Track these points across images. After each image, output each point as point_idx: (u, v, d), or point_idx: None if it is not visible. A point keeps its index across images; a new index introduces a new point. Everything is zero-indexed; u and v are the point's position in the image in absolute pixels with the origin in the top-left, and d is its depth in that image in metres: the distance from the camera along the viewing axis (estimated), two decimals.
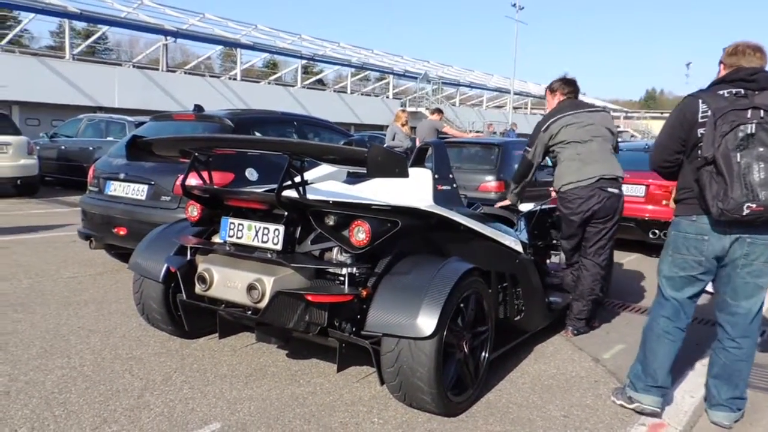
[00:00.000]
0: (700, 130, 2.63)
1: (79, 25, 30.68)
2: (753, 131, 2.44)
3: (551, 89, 4.36)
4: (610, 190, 4.01)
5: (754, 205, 2.43)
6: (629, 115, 64.95)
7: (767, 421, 2.99)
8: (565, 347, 3.97)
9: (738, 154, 2.44)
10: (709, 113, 2.57)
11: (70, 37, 25.06)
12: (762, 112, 2.46)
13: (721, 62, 2.85)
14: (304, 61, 33.25)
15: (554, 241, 4.85)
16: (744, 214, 2.45)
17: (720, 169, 2.47)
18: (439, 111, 11.46)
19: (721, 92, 2.64)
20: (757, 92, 2.57)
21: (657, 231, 6.97)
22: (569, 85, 4.30)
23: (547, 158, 4.36)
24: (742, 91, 2.60)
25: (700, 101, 2.67)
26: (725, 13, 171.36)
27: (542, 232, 4.73)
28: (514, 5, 37.79)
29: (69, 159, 12.05)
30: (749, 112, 2.47)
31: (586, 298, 4.18)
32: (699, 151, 2.62)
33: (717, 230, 2.68)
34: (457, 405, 2.90)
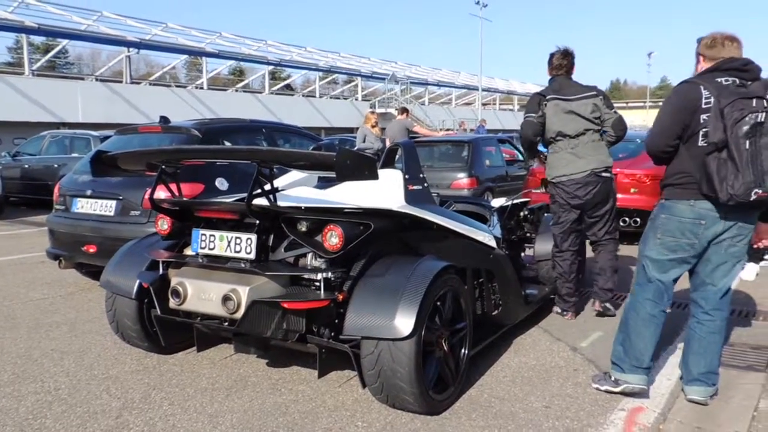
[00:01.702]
0: (703, 116, 2.68)
1: (38, 39, 30.05)
2: (762, 120, 2.52)
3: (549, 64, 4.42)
4: (603, 175, 4.25)
5: (760, 191, 2.53)
6: None
7: (740, 397, 3.07)
8: (543, 339, 4.02)
9: (747, 142, 2.52)
10: (713, 100, 2.63)
11: (29, 53, 24.49)
12: (765, 102, 2.54)
13: (699, 54, 2.89)
14: (270, 67, 33.05)
15: (527, 235, 4.90)
16: (751, 199, 2.54)
17: (732, 154, 2.54)
18: (405, 110, 11.53)
19: (719, 80, 2.70)
20: (749, 82, 2.66)
21: (627, 219, 7.10)
22: (560, 63, 4.36)
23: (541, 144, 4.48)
24: (737, 80, 2.68)
25: (702, 87, 2.71)
26: (684, 3, 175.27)
27: (515, 226, 4.78)
28: (478, 2, 38.09)
29: (33, 178, 11.78)
30: (754, 101, 2.55)
31: (608, 271, 4.42)
32: (703, 137, 2.69)
33: (714, 215, 2.76)
34: (440, 403, 2.91)
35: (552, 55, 4.38)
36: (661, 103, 2.97)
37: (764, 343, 3.79)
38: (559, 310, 4.48)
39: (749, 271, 5.01)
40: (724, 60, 2.76)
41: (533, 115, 4.27)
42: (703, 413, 2.90)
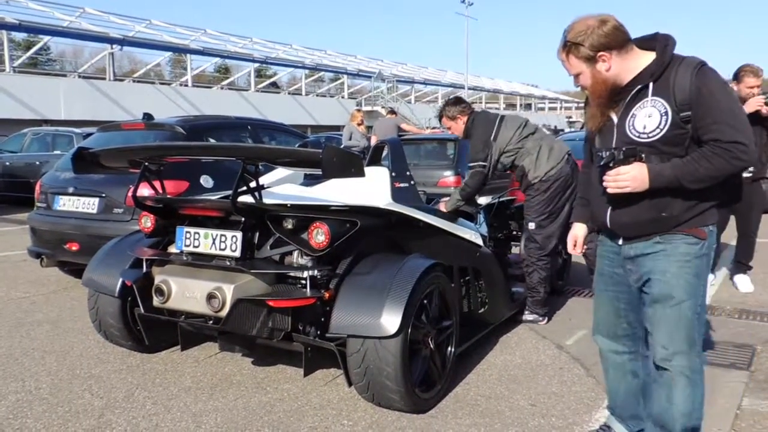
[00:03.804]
0: None
1: (19, 36, 29.67)
2: None
3: (451, 117, 4.37)
4: (574, 161, 4.28)
5: None
6: (580, 105, 66.57)
7: (724, 396, 3.09)
8: (529, 337, 4.03)
9: None
10: None
11: (10, 49, 24.14)
12: None
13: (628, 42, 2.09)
14: (256, 65, 32.86)
15: (514, 233, 4.91)
16: None
17: None
18: (392, 111, 11.56)
19: None
20: None
21: None
22: (464, 103, 4.46)
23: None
24: None
25: None
26: (656, 3, 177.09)
27: (502, 224, 4.79)
28: (463, 1, 38.18)
29: (14, 175, 11.60)
30: None
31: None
32: None
33: None
34: (426, 401, 2.90)
35: (447, 111, 4.39)
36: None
37: (746, 342, 3.83)
38: (532, 318, 4.26)
39: (745, 283, 5.09)
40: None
41: (484, 163, 4.20)
42: None
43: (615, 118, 2.12)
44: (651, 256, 2.13)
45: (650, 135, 2.03)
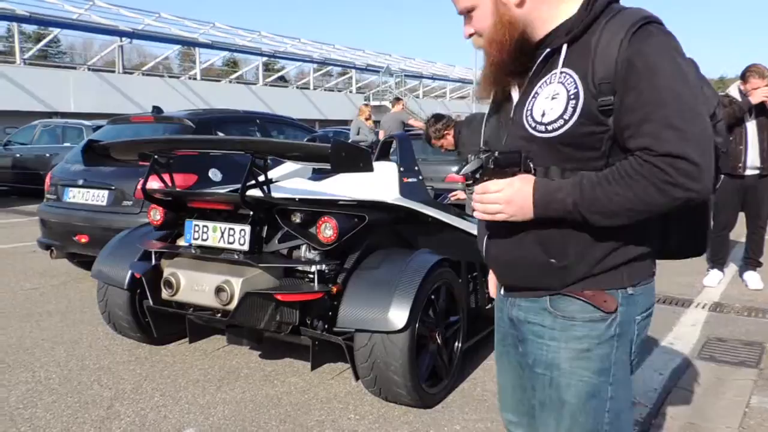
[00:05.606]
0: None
1: (29, 28, 29.78)
2: None
3: (440, 136, 4.44)
4: None
5: None
6: None
7: (732, 393, 3.08)
8: None
9: None
10: None
11: (20, 41, 24.27)
12: None
13: None
14: (264, 59, 32.86)
15: None
16: None
17: None
18: (398, 99, 11.52)
19: None
20: None
21: None
22: (444, 117, 4.56)
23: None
24: None
25: None
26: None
27: None
28: None
29: (25, 167, 11.68)
30: None
31: None
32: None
33: None
34: (433, 396, 2.91)
35: (432, 131, 4.46)
36: None
37: (756, 339, 3.81)
38: None
39: (755, 280, 5.05)
40: None
41: None
42: (695, 409, 2.92)
43: (515, 97, 1.35)
44: (535, 332, 1.34)
45: (549, 128, 1.23)
